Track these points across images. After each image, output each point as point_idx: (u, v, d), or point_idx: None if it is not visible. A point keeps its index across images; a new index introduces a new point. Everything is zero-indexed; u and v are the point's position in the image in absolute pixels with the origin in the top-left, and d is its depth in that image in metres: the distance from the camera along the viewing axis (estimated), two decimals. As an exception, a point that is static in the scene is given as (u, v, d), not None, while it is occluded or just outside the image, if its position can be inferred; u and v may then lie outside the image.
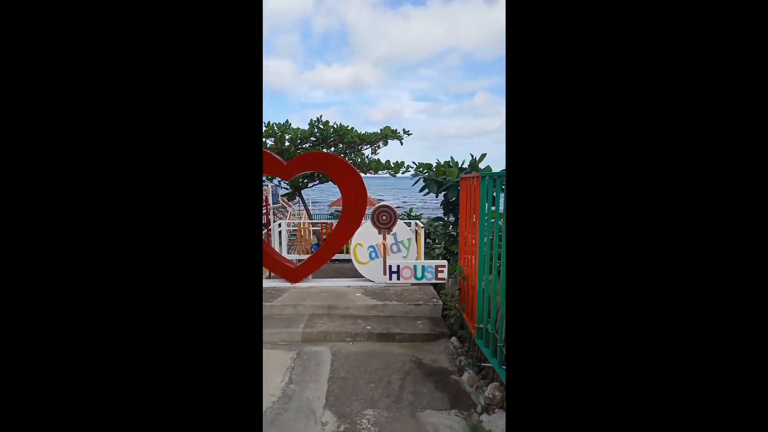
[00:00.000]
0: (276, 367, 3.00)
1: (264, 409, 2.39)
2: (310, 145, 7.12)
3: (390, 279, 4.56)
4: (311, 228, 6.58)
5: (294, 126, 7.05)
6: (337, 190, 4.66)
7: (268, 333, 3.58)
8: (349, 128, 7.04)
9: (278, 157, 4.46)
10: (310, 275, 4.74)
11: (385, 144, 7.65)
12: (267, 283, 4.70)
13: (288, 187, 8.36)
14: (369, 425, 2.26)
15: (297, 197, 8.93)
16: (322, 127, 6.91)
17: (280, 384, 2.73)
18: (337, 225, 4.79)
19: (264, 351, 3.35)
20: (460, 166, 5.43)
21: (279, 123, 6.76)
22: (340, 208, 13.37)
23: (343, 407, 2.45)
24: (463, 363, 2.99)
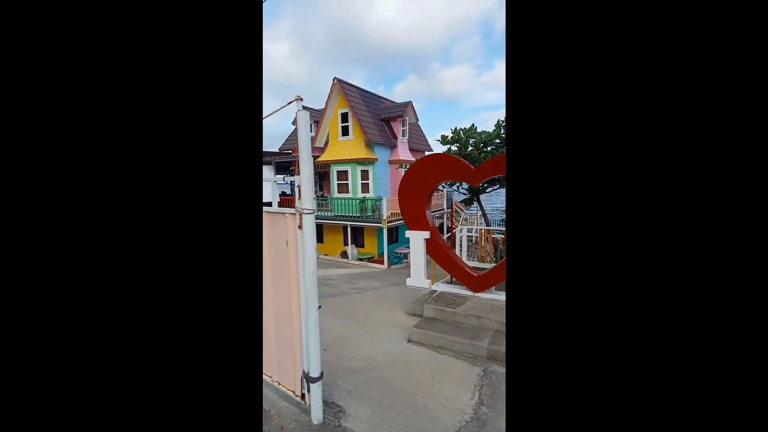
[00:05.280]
0: (462, 380, 2.87)
1: (457, 426, 2.29)
2: (493, 148, 6.80)
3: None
4: (493, 235, 6.23)
5: (476, 129, 6.90)
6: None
7: (451, 340, 3.53)
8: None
9: (467, 162, 4.37)
10: (494, 287, 4.43)
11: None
12: (449, 288, 4.70)
13: (466, 192, 8.28)
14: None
15: (474, 202, 8.75)
16: (509, 127, 6.47)
17: (471, 402, 2.57)
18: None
19: (448, 359, 3.31)
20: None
21: (464, 128, 6.75)
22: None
23: (548, 456, 2.06)
24: None
